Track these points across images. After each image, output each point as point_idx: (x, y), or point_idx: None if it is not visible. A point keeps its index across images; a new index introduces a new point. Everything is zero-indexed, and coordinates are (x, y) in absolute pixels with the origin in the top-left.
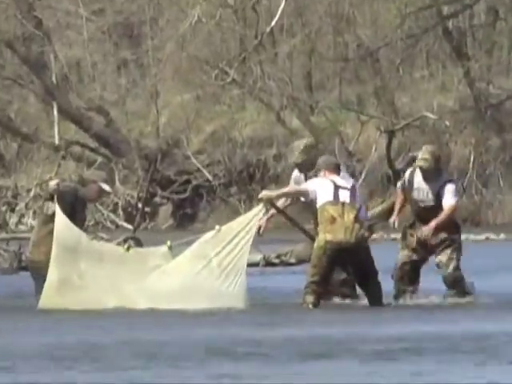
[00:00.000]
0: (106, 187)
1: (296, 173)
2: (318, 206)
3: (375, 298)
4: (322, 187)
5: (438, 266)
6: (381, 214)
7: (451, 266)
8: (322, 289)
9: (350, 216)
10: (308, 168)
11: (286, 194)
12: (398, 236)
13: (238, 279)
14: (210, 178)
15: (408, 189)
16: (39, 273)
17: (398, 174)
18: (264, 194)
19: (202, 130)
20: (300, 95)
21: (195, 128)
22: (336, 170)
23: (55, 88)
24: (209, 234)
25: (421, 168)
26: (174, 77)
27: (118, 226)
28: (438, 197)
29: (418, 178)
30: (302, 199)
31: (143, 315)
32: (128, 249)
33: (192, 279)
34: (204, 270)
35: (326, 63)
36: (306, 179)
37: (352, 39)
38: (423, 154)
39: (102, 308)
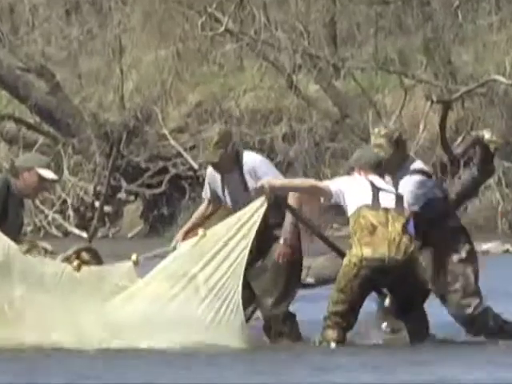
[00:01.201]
0: (49, 174)
1: (210, 171)
2: (349, 212)
3: (417, 334)
4: (353, 187)
5: None
6: None
7: None
8: (348, 322)
9: (396, 226)
10: (227, 168)
11: (296, 188)
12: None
13: (232, 305)
14: (195, 165)
15: None
16: None
17: (456, 161)
18: (266, 181)
19: (184, 100)
20: (320, 51)
21: (174, 97)
22: (376, 169)
23: None
24: (189, 242)
25: None
26: (144, 25)
27: (67, 233)
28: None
29: None
30: (322, 200)
31: (95, 356)
32: (79, 267)
33: (164, 306)
34: (182, 293)
35: (355, 6)
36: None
37: None
38: (375, 139)
39: (44, 346)
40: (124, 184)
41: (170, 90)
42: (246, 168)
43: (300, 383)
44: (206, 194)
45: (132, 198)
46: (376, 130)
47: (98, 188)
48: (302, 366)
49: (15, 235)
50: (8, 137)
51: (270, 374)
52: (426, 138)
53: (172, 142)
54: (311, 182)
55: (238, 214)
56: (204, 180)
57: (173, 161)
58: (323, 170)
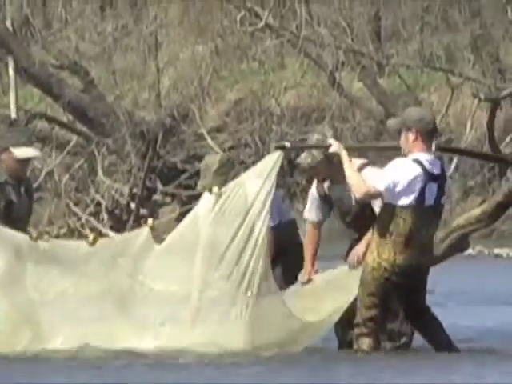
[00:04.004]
0: (23, 153)
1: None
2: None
3: (441, 340)
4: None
5: None
6: (480, 218)
7: None
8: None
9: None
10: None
11: (347, 175)
12: (505, 251)
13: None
14: None
15: None
16: None
17: (505, 162)
18: (338, 144)
19: (222, 98)
20: (364, 48)
21: (212, 95)
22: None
23: (11, 37)
24: (205, 203)
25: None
26: (181, 20)
27: (101, 236)
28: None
29: None
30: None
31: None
32: (94, 240)
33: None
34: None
35: (401, 1)
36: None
37: None
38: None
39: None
40: (160, 186)
41: (208, 87)
42: None
43: None
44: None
45: (168, 199)
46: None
47: (134, 190)
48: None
49: (24, 225)
50: (40, 136)
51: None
52: (473, 138)
53: (210, 141)
54: (362, 185)
55: (252, 170)
56: None
57: None
58: None
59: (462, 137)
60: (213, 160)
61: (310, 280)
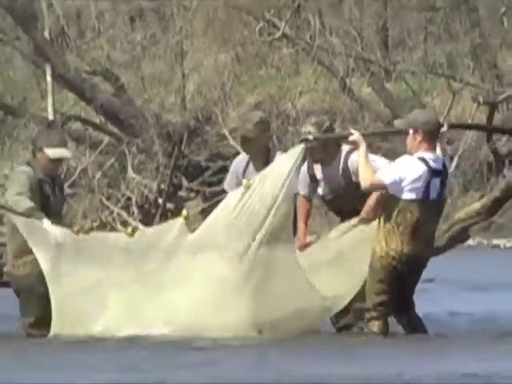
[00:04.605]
0: (56, 153)
1: (240, 160)
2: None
3: (420, 330)
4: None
5: None
6: (479, 212)
7: None
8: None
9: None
10: (255, 150)
11: (360, 167)
12: (502, 242)
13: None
14: None
15: None
16: (24, 290)
17: (502, 161)
18: (359, 135)
19: (243, 102)
20: (372, 55)
21: (233, 99)
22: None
23: (49, 46)
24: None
25: None
26: (205, 31)
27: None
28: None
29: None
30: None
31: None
32: (133, 232)
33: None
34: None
35: (406, 13)
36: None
37: None
38: (305, 127)
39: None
40: (185, 182)
41: (230, 92)
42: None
43: None
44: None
45: (193, 195)
46: (308, 118)
47: (161, 186)
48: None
49: (58, 219)
50: (75, 136)
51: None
52: (473, 138)
53: (231, 141)
54: (370, 176)
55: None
56: None
57: (232, 160)
58: None
59: (462, 137)
60: (255, 113)
61: (307, 245)
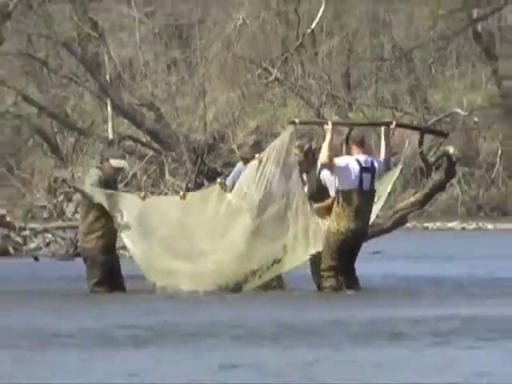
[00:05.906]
0: (118, 163)
1: (241, 165)
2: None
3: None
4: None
5: None
6: (414, 204)
7: None
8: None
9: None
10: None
11: (324, 146)
12: (431, 225)
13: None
14: None
15: None
16: (90, 259)
17: (430, 167)
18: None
19: (246, 126)
20: (339, 93)
21: (240, 123)
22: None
23: (109, 86)
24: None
25: None
26: (220, 75)
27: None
28: None
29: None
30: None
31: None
32: (184, 195)
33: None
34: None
35: (363, 63)
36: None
37: (387, 40)
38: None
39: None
40: (206, 182)
41: (238, 119)
42: None
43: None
44: None
45: None
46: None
47: (189, 185)
48: None
49: None
50: (128, 150)
51: None
52: (410, 151)
53: (238, 153)
54: (325, 155)
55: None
56: None
57: None
58: None
59: (402, 150)
60: (249, 138)
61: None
